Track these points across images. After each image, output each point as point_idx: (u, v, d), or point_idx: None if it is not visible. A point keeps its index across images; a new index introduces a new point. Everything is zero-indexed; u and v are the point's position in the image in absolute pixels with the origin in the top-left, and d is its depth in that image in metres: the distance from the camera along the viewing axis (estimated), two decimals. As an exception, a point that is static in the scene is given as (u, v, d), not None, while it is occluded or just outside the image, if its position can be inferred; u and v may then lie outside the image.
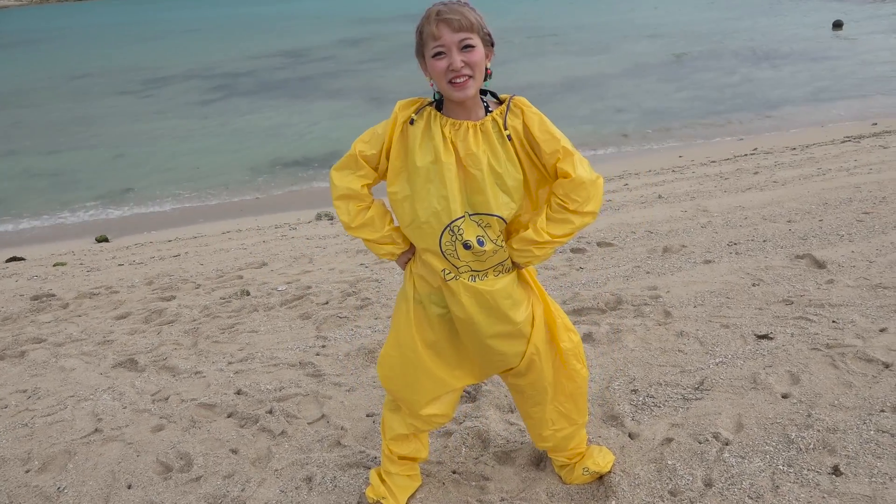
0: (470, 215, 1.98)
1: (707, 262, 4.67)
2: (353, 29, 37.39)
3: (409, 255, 2.18)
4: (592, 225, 6.06)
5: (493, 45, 1.96)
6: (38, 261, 7.65)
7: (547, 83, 17.89)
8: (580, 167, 1.97)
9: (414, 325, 2.17)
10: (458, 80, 1.88)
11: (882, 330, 3.35)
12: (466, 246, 1.99)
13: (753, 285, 4.13)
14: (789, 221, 5.44)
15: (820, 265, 4.34)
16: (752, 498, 2.27)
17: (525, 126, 1.96)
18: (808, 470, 2.38)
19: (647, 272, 4.63)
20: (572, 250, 5.32)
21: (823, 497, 2.24)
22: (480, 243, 2.00)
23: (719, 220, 5.71)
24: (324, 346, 3.96)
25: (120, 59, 31.20)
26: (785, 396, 2.86)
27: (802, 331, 3.44)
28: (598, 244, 5.41)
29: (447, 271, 2.05)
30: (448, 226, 1.98)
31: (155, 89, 22.24)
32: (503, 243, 2.05)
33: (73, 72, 27.81)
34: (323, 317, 4.43)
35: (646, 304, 3.99)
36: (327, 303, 4.72)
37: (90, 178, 12.34)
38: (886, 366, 3.00)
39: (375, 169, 2.08)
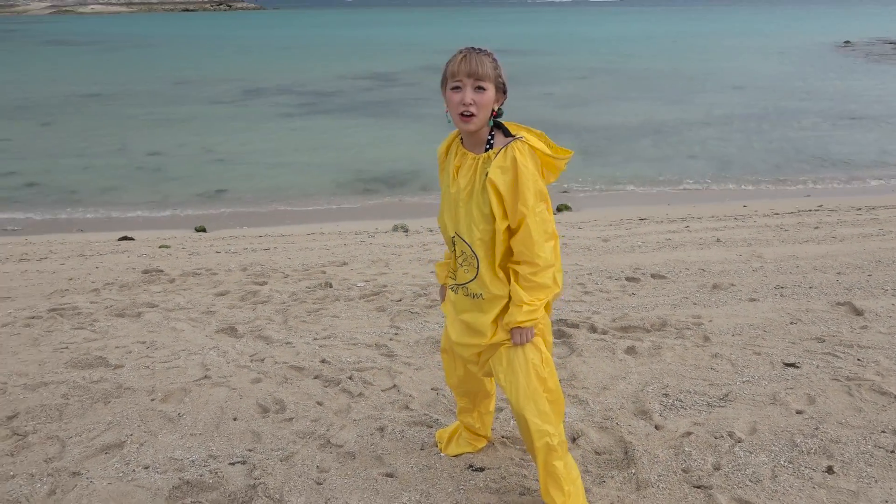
0: (455, 235, 2.47)
1: (752, 300, 5.04)
2: (438, 58, 38.69)
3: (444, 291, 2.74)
4: (650, 258, 6.48)
5: (505, 92, 2.33)
6: (146, 242, 8.57)
7: (625, 125, 18.29)
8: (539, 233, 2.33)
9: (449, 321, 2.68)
10: (465, 114, 2.26)
11: (902, 371, 3.68)
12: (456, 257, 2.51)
13: (791, 323, 4.49)
14: (839, 273, 5.73)
15: (858, 312, 4.66)
16: (752, 481, 2.69)
17: (512, 172, 2.27)
18: (806, 467, 2.78)
19: (694, 303, 5.03)
20: (627, 279, 5.75)
21: (813, 487, 2.64)
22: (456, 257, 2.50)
23: (771, 266, 6.04)
24: (396, 334, 4.53)
25: (218, 69, 33.27)
26: (799, 412, 3.25)
27: (828, 364, 3.80)
28: (653, 276, 5.82)
29: (450, 272, 2.60)
30: (452, 238, 2.48)
31: (249, 100, 23.73)
32: (465, 264, 2.44)
33: (175, 77, 29.86)
34: (397, 310, 5.01)
35: (688, 329, 4.41)
36: (401, 300, 5.30)
37: (189, 176, 13.46)
38: (897, 399, 3.35)
39: None
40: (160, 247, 8.09)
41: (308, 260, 6.92)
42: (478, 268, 2.40)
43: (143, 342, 4.49)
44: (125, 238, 8.79)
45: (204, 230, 9.76)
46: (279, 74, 30.99)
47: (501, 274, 2.42)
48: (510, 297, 2.40)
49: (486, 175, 2.28)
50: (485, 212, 2.32)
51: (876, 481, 2.67)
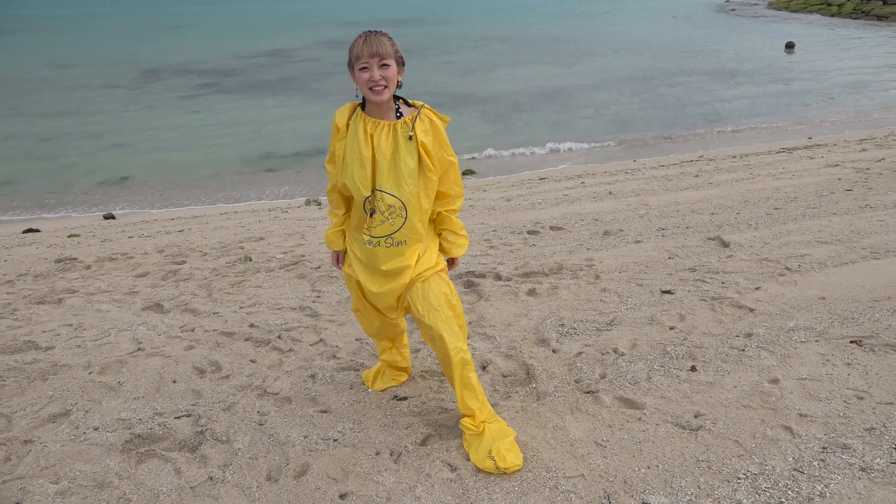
0: (374, 190, 2.75)
1: (637, 241, 5.64)
2: (337, 31, 38.21)
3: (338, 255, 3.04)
4: (549, 213, 7.02)
5: (403, 64, 2.66)
6: (53, 232, 8.42)
7: (523, 91, 18.92)
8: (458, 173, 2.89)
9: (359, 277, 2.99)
10: (376, 88, 2.58)
11: (757, 288, 4.33)
12: (371, 213, 2.78)
13: (669, 258, 5.11)
14: (712, 213, 6.44)
15: (725, 245, 5.33)
16: (630, 384, 3.21)
17: (432, 133, 2.70)
18: (674, 368, 3.33)
19: (588, 248, 5.58)
20: (528, 232, 6.25)
21: (679, 382, 3.19)
22: (371, 213, 2.78)
23: (655, 212, 6.70)
24: (318, 297, 4.84)
25: (110, 52, 31.72)
26: (671, 328, 3.82)
27: (697, 288, 4.41)
28: (551, 228, 6.35)
29: (364, 230, 2.85)
30: (367, 198, 2.76)
31: (145, 83, 22.88)
32: (392, 217, 2.71)
33: (65, 62, 28.31)
34: (316, 276, 5.32)
35: (581, 270, 4.95)
36: (319, 267, 5.60)
37: (89, 164, 13.07)
38: (751, 310, 3.98)
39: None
40: (69, 236, 8.00)
41: (225, 238, 7.07)
42: (406, 217, 2.74)
43: (70, 325, 4.61)
44: (30, 230, 8.61)
45: (112, 217, 9.64)
46: (173, 55, 29.89)
47: (425, 218, 2.81)
48: (444, 231, 2.89)
49: (410, 138, 2.64)
50: (410, 167, 2.66)
51: (728, 373, 3.25)
